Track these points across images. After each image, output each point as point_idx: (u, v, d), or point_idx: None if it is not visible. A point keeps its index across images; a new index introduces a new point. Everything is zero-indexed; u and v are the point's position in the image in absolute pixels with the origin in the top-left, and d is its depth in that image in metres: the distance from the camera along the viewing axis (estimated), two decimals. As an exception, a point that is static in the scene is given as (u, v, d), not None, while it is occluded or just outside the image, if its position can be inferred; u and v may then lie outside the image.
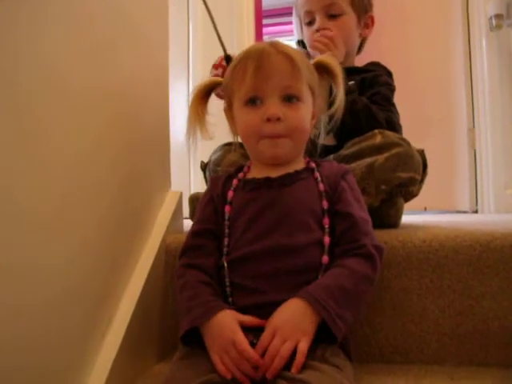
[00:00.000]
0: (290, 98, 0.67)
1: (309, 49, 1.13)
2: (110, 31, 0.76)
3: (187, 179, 2.02)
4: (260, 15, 2.42)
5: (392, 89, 1.07)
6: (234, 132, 0.76)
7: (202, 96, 0.75)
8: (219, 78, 0.76)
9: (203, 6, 2.12)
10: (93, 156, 0.69)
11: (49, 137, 0.60)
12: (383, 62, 1.13)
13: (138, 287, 0.78)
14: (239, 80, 0.68)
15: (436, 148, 1.88)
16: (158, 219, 0.89)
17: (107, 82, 0.74)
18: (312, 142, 0.78)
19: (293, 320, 0.57)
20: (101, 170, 0.71)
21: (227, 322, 0.59)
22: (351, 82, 1.02)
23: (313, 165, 0.72)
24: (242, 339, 0.57)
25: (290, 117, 0.66)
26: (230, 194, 0.70)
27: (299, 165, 0.72)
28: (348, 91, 0.95)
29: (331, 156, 0.89)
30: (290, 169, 0.70)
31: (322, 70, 0.75)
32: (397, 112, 1.04)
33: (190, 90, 2.07)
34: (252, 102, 0.67)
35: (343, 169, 0.72)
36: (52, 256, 0.59)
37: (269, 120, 0.65)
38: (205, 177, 1.05)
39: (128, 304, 0.75)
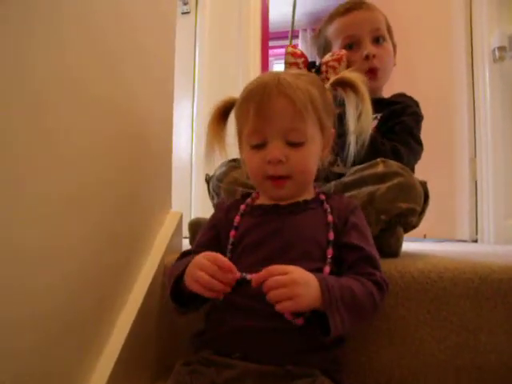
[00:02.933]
0: (293, 143, 0.66)
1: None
2: (119, 49, 0.77)
3: (188, 198, 2.03)
4: (267, 37, 2.46)
5: (419, 119, 1.05)
6: (242, 157, 0.75)
7: (220, 115, 0.75)
8: (236, 97, 0.73)
9: (210, 26, 2.19)
10: (95, 170, 0.69)
11: (57, 145, 0.60)
12: (386, 92, 1.13)
13: (135, 307, 0.77)
14: (243, 119, 0.69)
15: (437, 176, 1.89)
16: (157, 240, 0.88)
17: (114, 97, 0.75)
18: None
19: (304, 278, 0.57)
20: (102, 186, 0.71)
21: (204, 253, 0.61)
22: (379, 114, 1.02)
23: (323, 197, 0.72)
24: (215, 253, 0.60)
25: (294, 159, 0.66)
26: (237, 219, 0.70)
27: (309, 195, 0.72)
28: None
29: (332, 183, 0.89)
30: (299, 198, 0.70)
31: (346, 86, 0.74)
32: (418, 144, 1.01)
33: (195, 109, 2.09)
34: (257, 146, 0.68)
35: (353, 204, 0.71)
36: (49, 271, 0.59)
37: (270, 162, 0.66)
38: (208, 189, 1.04)
39: (124, 323, 0.75)
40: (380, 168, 0.84)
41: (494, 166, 1.75)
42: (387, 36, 1.10)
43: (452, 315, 0.73)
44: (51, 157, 0.59)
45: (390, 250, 0.85)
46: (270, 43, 3.04)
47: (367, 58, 1.05)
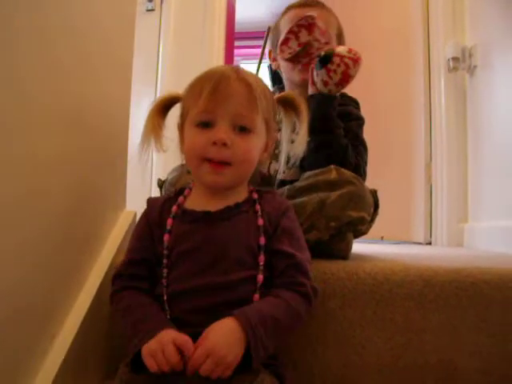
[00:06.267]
0: (241, 128, 0.66)
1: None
2: (72, 41, 0.75)
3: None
4: (232, 36, 2.46)
5: (361, 123, 1.05)
6: (182, 151, 0.73)
7: (161, 109, 0.73)
8: (180, 93, 0.73)
9: (175, 23, 2.16)
10: (45, 168, 0.67)
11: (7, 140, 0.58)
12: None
13: (85, 307, 0.76)
14: (194, 99, 0.67)
15: (395, 180, 1.95)
16: (109, 239, 0.87)
17: (66, 90, 0.73)
18: (265, 175, 0.77)
19: (226, 343, 0.56)
20: (52, 184, 0.70)
21: (167, 334, 0.59)
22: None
23: (255, 195, 0.71)
24: (183, 336, 0.58)
25: (239, 146, 0.65)
26: (169, 221, 0.69)
27: (241, 195, 0.71)
28: (338, 126, 0.96)
29: (286, 187, 0.89)
30: (231, 200, 0.69)
31: (287, 105, 0.74)
32: (365, 149, 1.02)
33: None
34: (203, 124, 0.66)
35: (285, 205, 0.71)
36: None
37: (215, 144, 0.64)
38: (161, 194, 1.02)
39: (73, 323, 0.74)
40: (333, 175, 0.84)
41: (448, 171, 1.81)
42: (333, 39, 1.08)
43: (397, 316, 0.76)
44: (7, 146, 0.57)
45: (340, 254, 0.87)
46: (238, 43, 3.04)
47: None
